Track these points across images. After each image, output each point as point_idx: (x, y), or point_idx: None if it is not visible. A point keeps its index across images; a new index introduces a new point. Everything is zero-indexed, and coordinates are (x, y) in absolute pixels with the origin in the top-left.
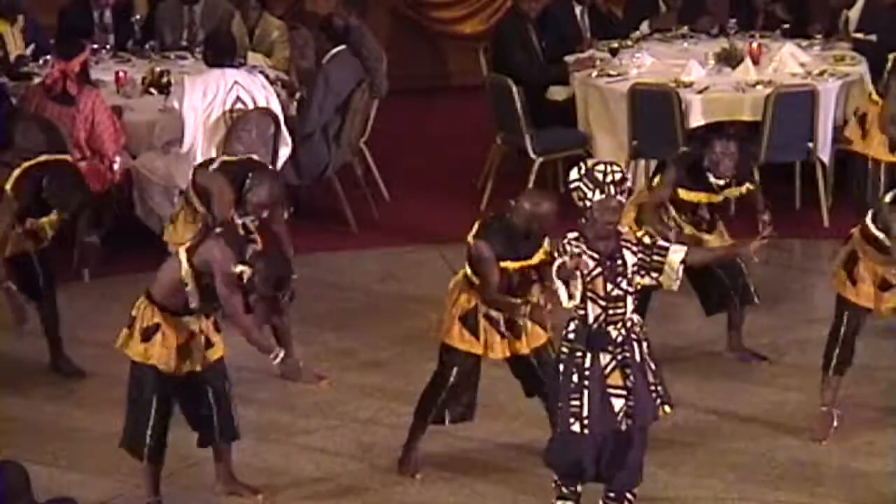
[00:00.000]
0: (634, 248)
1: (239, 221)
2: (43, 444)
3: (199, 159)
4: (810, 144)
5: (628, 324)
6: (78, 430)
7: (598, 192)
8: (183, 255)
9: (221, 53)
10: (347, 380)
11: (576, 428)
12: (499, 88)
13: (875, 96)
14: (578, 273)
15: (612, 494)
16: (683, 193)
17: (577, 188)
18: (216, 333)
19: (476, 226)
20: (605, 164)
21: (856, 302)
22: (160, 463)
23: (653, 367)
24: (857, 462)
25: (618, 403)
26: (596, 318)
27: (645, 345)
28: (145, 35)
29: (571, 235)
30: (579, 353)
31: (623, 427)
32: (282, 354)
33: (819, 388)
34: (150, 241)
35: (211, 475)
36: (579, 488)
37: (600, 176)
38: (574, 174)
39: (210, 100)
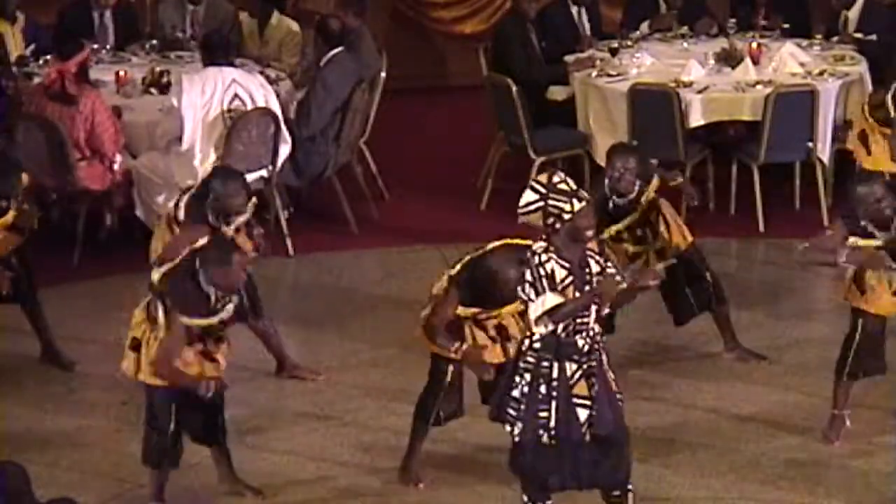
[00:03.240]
0: (597, 257)
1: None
2: (43, 444)
3: (199, 157)
4: (810, 144)
5: (592, 333)
6: (78, 430)
7: (574, 201)
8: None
9: (214, 52)
10: (347, 380)
11: (545, 439)
12: (499, 88)
13: (866, 109)
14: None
15: (607, 496)
16: (608, 231)
17: (546, 206)
18: (218, 347)
19: (459, 266)
20: (554, 174)
21: (874, 311)
22: (169, 470)
23: (612, 375)
24: (857, 462)
25: (583, 414)
26: (564, 328)
27: (605, 355)
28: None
29: (538, 246)
30: (546, 363)
31: (587, 438)
32: (211, 387)
33: (818, 387)
34: (150, 241)
35: (211, 475)
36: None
37: (566, 186)
38: (533, 196)
39: (208, 97)
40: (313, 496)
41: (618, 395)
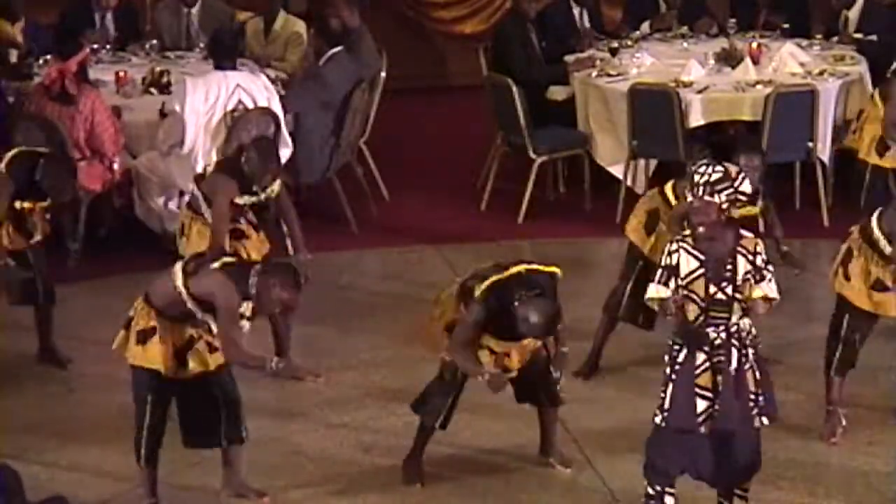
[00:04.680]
0: (750, 257)
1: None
2: (43, 443)
3: (200, 161)
4: (810, 144)
5: (732, 329)
6: (78, 430)
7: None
8: (178, 279)
9: (224, 54)
10: (347, 380)
11: (657, 419)
12: (499, 88)
13: (878, 98)
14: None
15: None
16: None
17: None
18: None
19: (481, 288)
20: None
21: (855, 303)
22: (156, 466)
23: (758, 375)
24: (857, 462)
25: (701, 404)
26: (696, 318)
27: (751, 352)
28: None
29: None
30: (677, 347)
31: (703, 430)
32: (275, 362)
33: (818, 387)
34: (150, 241)
35: (211, 475)
36: (668, 495)
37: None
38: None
39: (212, 103)
40: (313, 496)
41: (759, 397)
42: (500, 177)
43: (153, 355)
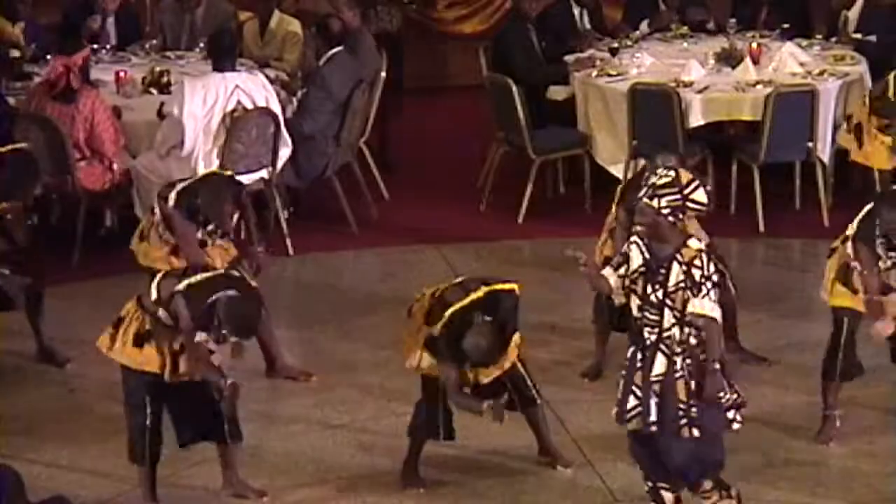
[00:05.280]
0: (685, 267)
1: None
2: (43, 443)
3: (201, 163)
4: (810, 144)
5: (664, 334)
6: (78, 430)
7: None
8: (153, 296)
9: (223, 56)
10: (347, 380)
11: (612, 414)
12: (499, 88)
13: (867, 100)
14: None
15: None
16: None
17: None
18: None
19: (445, 317)
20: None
21: (853, 307)
22: (156, 465)
23: (692, 386)
24: (857, 462)
25: (632, 401)
26: (637, 319)
27: (679, 361)
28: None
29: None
30: (630, 343)
31: (630, 426)
32: (228, 384)
33: (818, 387)
34: None
35: (211, 475)
36: (664, 489)
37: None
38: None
39: (210, 106)
40: (313, 497)
41: (691, 408)
42: (500, 177)
43: (150, 358)
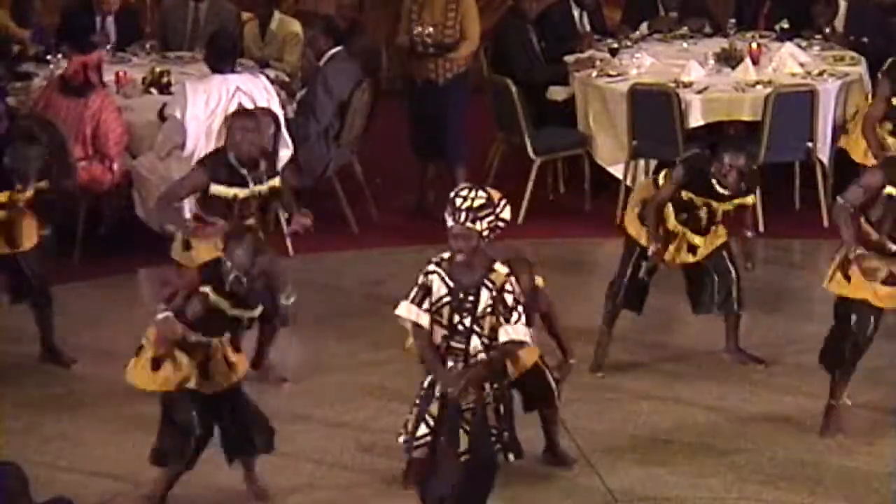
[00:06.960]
0: (494, 293)
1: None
2: (43, 444)
3: None
4: (810, 144)
5: (471, 362)
6: (78, 430)
7: (449, 218)
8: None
9: (223, 58)
10: (347, 380)
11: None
12: (499, 88)
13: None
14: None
15: None
16: (685, 195)
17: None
18: (235, 354)
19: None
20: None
21: (860, 297)
22: (191, 467)
23: (502, 411)
24: (857, 462)
25: (422, 429)
26: (440, 345)
27: (487, 386)
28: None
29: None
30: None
31: (413, 455)
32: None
33: (818, 387)
34: (150, 241)
35: (212, 475)
36: None
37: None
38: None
39: (213, 108)
40: (313, 497)
41: (503, 433)
42: (500, 177)
43: (165, 378)
